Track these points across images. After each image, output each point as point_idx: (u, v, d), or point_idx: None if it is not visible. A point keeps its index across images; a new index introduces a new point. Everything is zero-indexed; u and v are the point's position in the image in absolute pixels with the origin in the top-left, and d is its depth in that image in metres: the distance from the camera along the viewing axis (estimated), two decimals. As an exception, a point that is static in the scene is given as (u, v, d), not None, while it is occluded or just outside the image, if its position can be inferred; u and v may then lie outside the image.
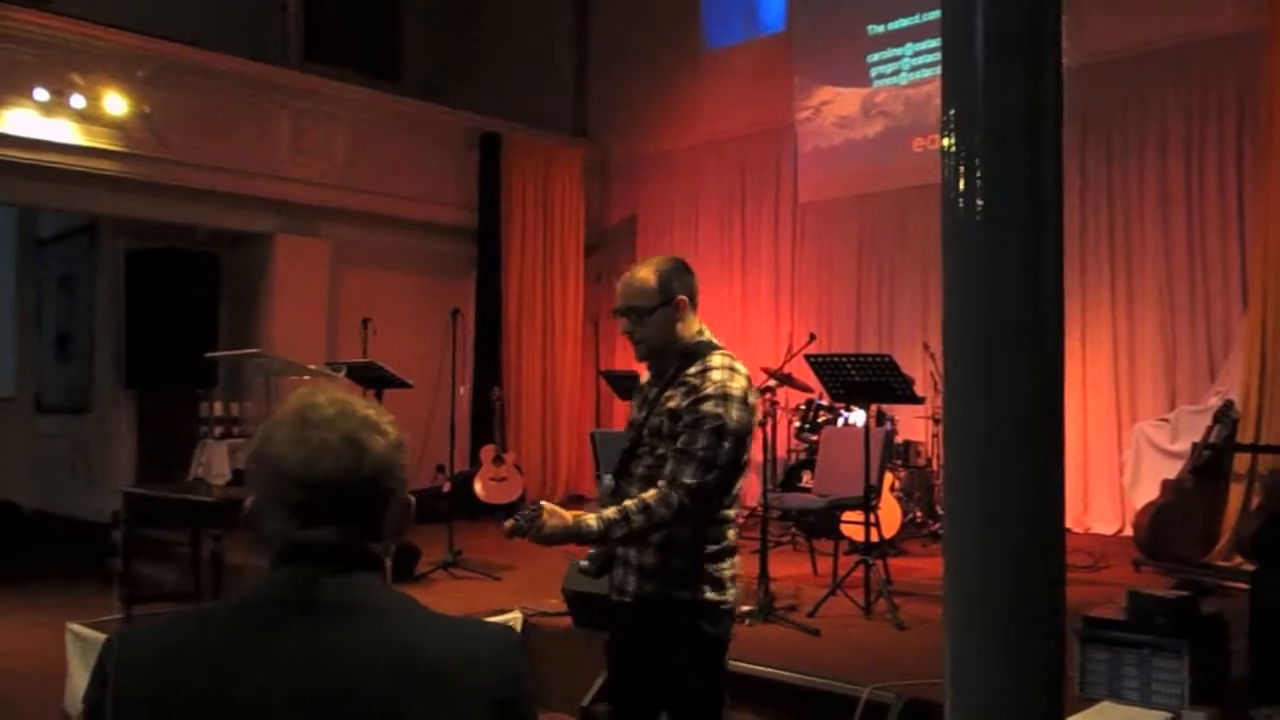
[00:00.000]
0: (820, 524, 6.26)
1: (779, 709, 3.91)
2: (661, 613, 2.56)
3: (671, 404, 2.56)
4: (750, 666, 4.07)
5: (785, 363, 5.60)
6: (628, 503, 2.52)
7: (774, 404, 5.18)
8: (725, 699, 2.65)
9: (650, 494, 2.50)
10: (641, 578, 2.59)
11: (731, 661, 4.07)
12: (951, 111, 1.03)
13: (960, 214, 1.02)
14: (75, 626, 5.00)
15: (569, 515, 2.50)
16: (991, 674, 1.00)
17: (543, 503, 2.46)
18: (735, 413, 2.50)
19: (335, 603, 1.25)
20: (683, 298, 2.60)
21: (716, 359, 2.57)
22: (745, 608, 4.80)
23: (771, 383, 5.22)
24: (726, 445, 2.48)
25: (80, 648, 4.89)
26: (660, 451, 2.54)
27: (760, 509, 5.53)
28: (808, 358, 5.14)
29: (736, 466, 2.53)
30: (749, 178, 9.19)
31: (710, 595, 2.54)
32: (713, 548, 2.55)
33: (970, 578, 1.02)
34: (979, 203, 1.01)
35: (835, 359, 5.02)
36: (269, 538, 1.29)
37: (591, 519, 2.51)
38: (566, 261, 9.74)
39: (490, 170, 9.43)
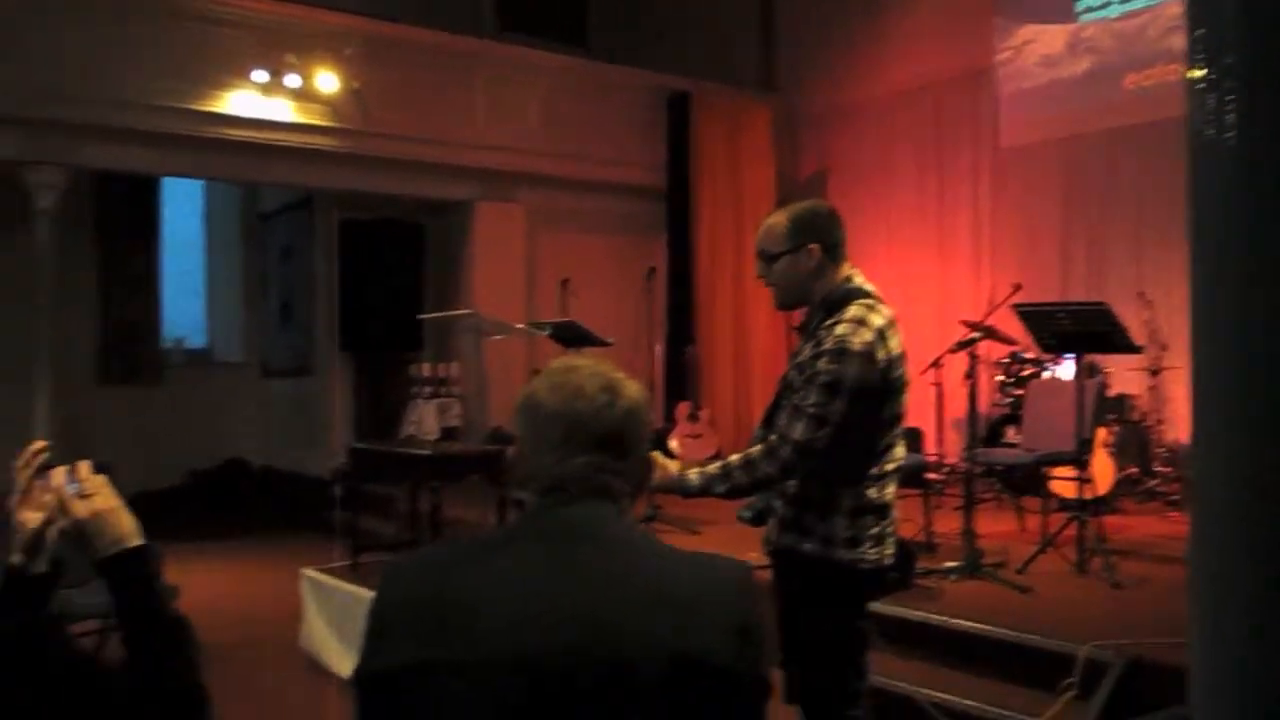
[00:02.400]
0: (1026, 480, 6.06)
1: (988, 666, 3.83)
2: (795, 566, 2.52)
3: (801, 357, 2.51)
4: (958, 622, 4.01)
5: (988, 315, 5.42)
6: (733, 457, 2.51)
7: (974, 358, 5.03)
8: (860, 661, 2.56)
9: (757, 449, 2.47)
10: (781, 529, 2.56)
11: (936, 616, 4.05)
12: (1199, 34, 0.98)
13: (1211, 148, 0.96)
14: (309, 572, 5.38)
15: (673, 467, 2.51)
16: (1241, 644, 0.94)
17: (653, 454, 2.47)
18: (854, 368, 2.40)
19: (585, 531, 1.37)
20: (814, 246, 2.52)
21: (851, 311, 2.47)
22: (950, 564, 4.73)
23: (973, 335, 5.06)
24: (840, 402, 2.39)
25: (315, 591, 5.26)
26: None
27: (963, 465, 5.40)
28: (1016, 307, 4.96)
29: (863, 422, 2.43)
30: (945, 125, 8.89)
31: (842, 553, 2.47)
32: (850, 504, 2.47)
33: (1219, 539, 0.96)
34: (1231, 135, 0.95)
35: (1046, 308, 4.82)
36: (530, 476, 1.44)
37: (694, 473, 2.51)
38: (757, 218, 9.65)
39: (679, 129, 9.46)
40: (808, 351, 2.50)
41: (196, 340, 10.93)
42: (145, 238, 9.77)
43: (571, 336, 5.67)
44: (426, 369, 8.82)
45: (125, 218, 9.54)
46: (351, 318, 8.95)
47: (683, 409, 8.44)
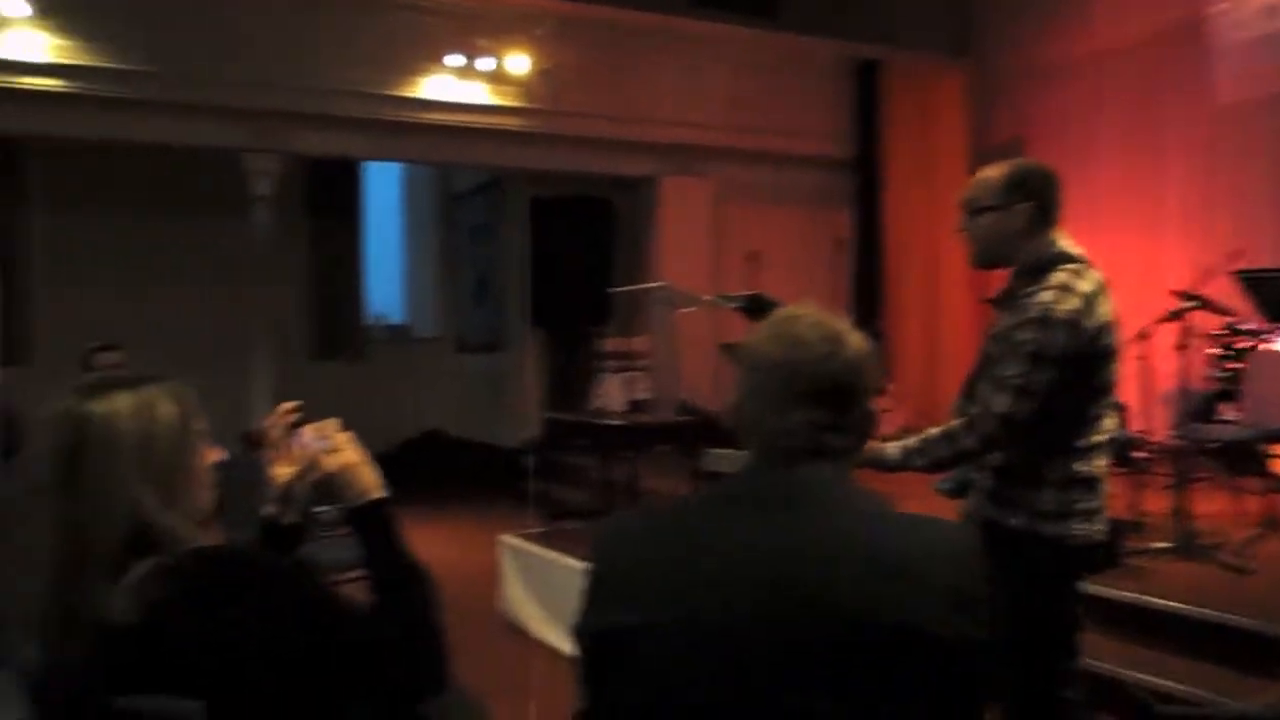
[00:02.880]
0: (1244, 459, 5.71)
1: (1200, 649, 3.65)
2: (999, 540, 2.40)
3: (999, 327, 2.41)
4: (1170, 603, 3.84)
5: (1203, 283, 5.13)
6: (932, 430, 2.42)
7: (1187, 329, 4.77)
8: (1071, 640, 2.46)
9: (957, 422, 2.38)
10: (984, 502, 2.48)
11: (1148, 597, 3.88)
12: None
13: None
14: (507, 538, 5.59)
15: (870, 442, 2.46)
16: None
17: None
18: (1058, 336, 2.29)
19: (803, 494, 1.34)
20: (1026, 205, 2.42)
21: (1056, 277, 2.36)
22: (1161, 543, 4.52)
23: (1187, 305, 4.79)
24: (1043, 372, 2.29)
25: (513, 557, 5.46)
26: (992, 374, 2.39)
27: (1173, 442, 5.13)
28: (1239, 274, 4.67)
29: (1070, 392, 2.32)
30: (1153, 83, 8.39)
31: (1049, 527, 2.38)
32: (1057, 476, 2.37)
33: None
34: None
35: (1275, 274, 4.52)
36: (748, 430, 1.41)
37: (892, 447, 2.44)
38: (950, 187, 9.41)
39: (867, 98, 9.28)
40: (1008, 320, 2.41)
41: (396, 317, 11.46)
42: (349, 219, 10.29)
43: (760, 309, 5.65)
44: (614, 343, 8.99)
45: (332, 200, 10.08)
46: (542, 293, 9.19)
47: (870, 383, 8.31)
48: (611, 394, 8.50)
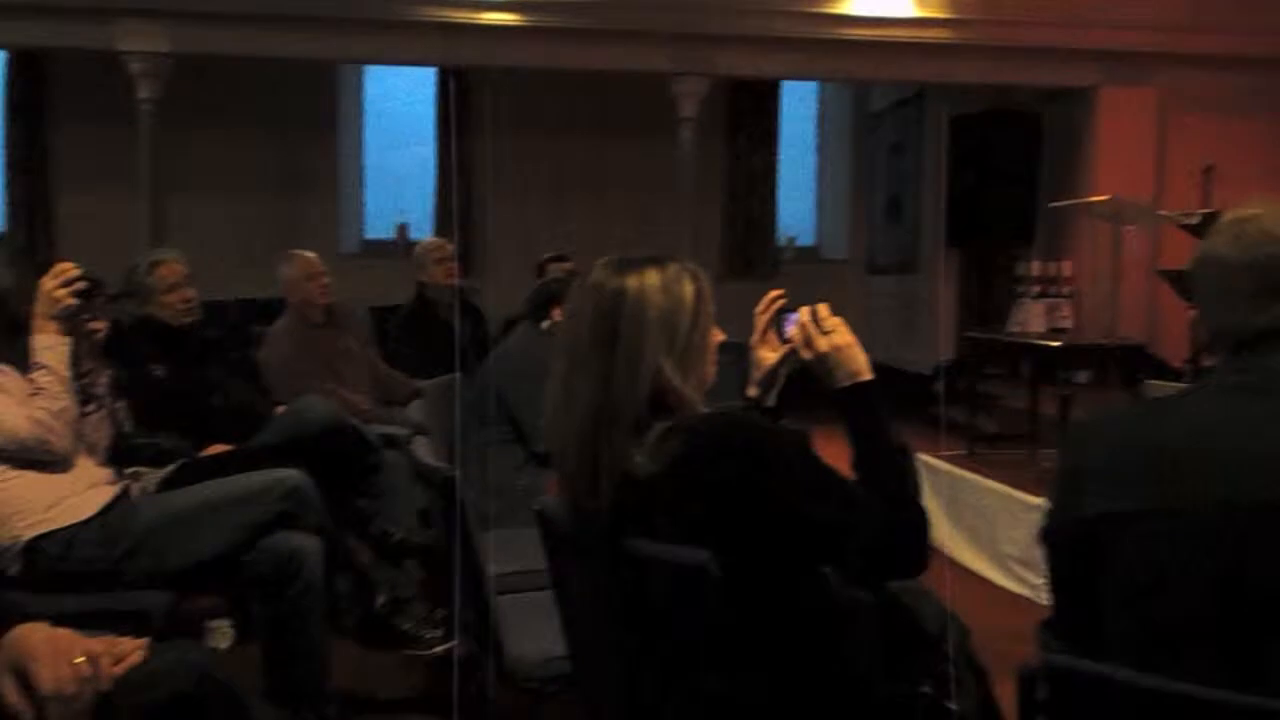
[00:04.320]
0: None
1: None
2: None
3: None
4: None
5: None
6: None
7: None
8: None
9: None
10: None
11: None
12: None
13: None
14: (924, 457, 5.52)
15: None
16: None
17: None
18: None
19: None
20: None
21: None
22: None
23: None
24: None
25: (928, 476, 5.40)
26: None
27: None
28: None
29: None
30: None
31: None
32: None
33: None
34: None
35: None
36: (1218, 335, 1.42)
37: None
38: None
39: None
40: None
41: (806, 239, 11.55)
42: (765, 140, 10.45)
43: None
44: (1036, 267, 8.52)
45: (749, 121, 10.28)
46: (959, 213, 8.89)
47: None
48: (1031, 320, 8.09)
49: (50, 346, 2.72)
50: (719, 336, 1.76)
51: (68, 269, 2.76)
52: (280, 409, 3.89)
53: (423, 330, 5.18)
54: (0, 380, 2.71)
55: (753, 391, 1.94)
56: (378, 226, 10.13)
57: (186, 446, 3.41)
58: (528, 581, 2.41)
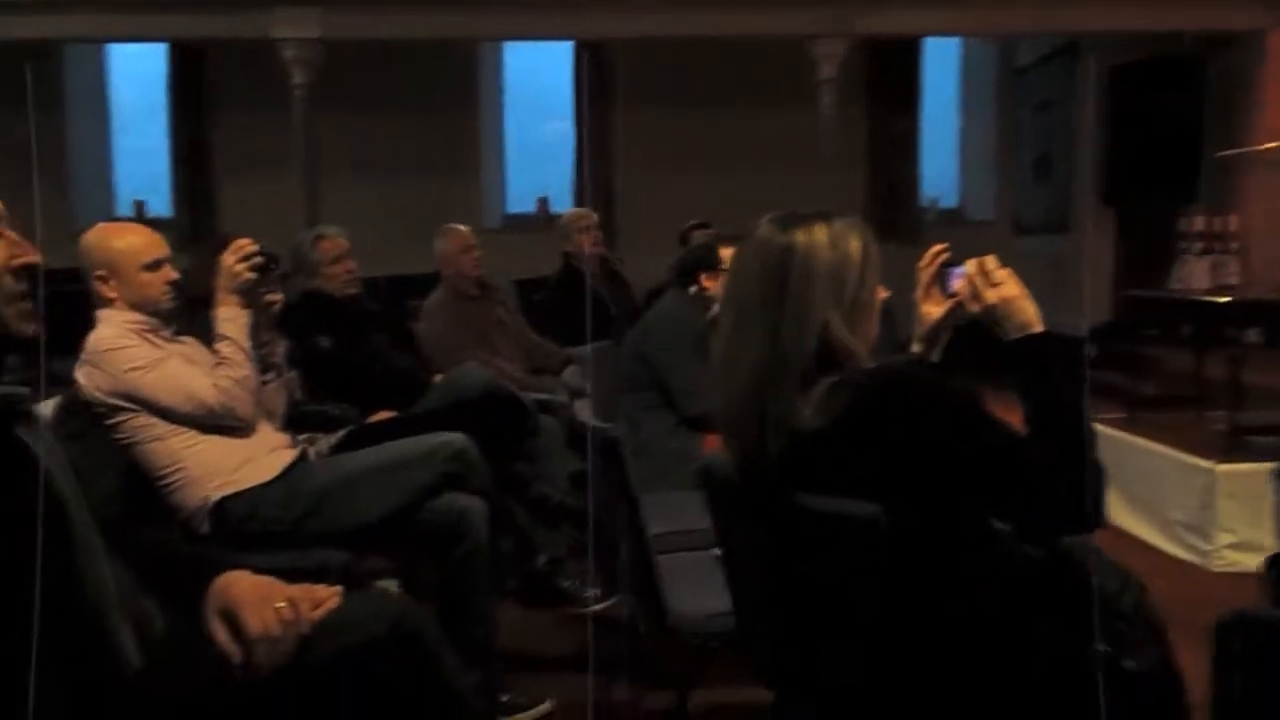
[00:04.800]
0: None
1: None
2: None
3: None
4: None
5: None
6: None
7: None
8: None
9: None
10: None
11: None
12: None
13: None
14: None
15: None
16: None
17: None
18: None
19: None
20: None
21: None
22: None
23: None
24: None
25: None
26: None
27: None
28: None
29: None
30: None
31: None
32: None
33: None
34: None
35: None
36: None
37: None
38: None
39: None
40: None
41: (949, 201, 11.26)
42: (908, 100, 10.21)
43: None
44: (1200, 223, 8.12)
45: (891, 81, 10.06)
46: (1116, 168, 8.52)
47: None
48: (1193, 278, 7.72)
49: (232, 318, 2.88)
50: (883, 293, 1.75)
51: (246, 245, 2.91)
52: (438, 378, 4.02)
53: (572, 299, 5.26)
54: (187, 351, 2.88)
55: (917, 347, 1.92)
56: (519, 201, 10.31)
57: (354, 413, 3.56)
58: (682, 542, 2.46)
